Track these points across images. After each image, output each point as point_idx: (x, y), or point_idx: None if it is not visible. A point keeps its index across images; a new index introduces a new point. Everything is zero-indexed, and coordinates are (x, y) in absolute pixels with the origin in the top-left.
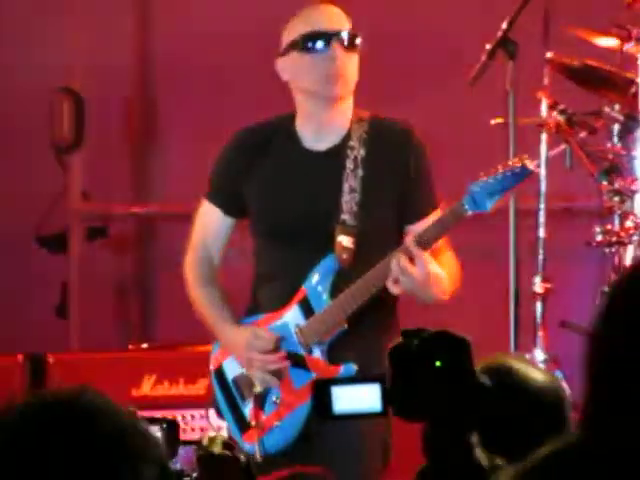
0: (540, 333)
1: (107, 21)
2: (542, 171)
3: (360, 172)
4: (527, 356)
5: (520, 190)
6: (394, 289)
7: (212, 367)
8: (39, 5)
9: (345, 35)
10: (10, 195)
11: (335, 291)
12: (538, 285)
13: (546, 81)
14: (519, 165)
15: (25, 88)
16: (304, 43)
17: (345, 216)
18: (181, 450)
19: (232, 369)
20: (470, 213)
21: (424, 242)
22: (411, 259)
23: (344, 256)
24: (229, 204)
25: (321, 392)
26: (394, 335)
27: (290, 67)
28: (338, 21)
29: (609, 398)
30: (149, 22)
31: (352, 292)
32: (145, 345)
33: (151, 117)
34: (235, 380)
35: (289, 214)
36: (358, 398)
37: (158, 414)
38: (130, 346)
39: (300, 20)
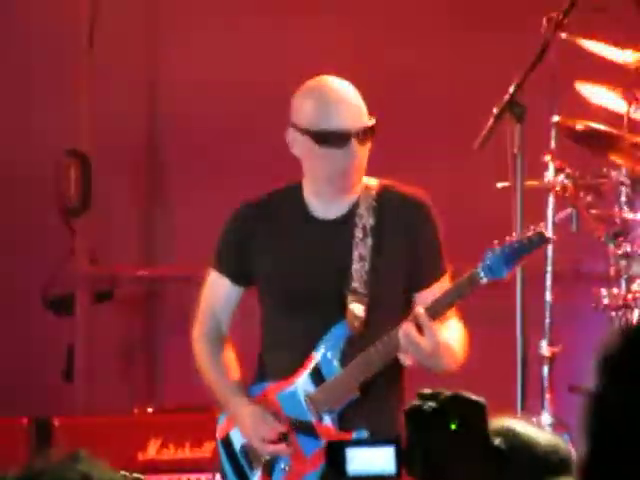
0: (547, 396)
1: (114, 82)
2: (549, 234)
3: (369, 241)
4: (534, 419)
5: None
6: (405, 360)
7: (219, 436)
8: (43, 66)
9: (362, 130)
10: (18, 258)
11: (345, 359)
12: (545, 349)
13: (553, 144)
14: (535, 233)
15: (32, 151)
16: (321, 138)
17: (355, 284)
18: None
19: (240, 437)
20: (486, 281)
21: (434, 311)
22: (419, 329)
23: (355, 324)
24: (237, 273)
25: (335, 453)
26: (403, 398)
27: (302, 150)
28: (358, 118)
29: (606, 459)
30: (155, 83)
31: (364, 360)
32: (151, 409)
33: (158, 179)
34: (243, 448)
35: (299, 282)
36: (372, 460)
37: (164, 478)
38: (136, 410)
39: (315, 107)
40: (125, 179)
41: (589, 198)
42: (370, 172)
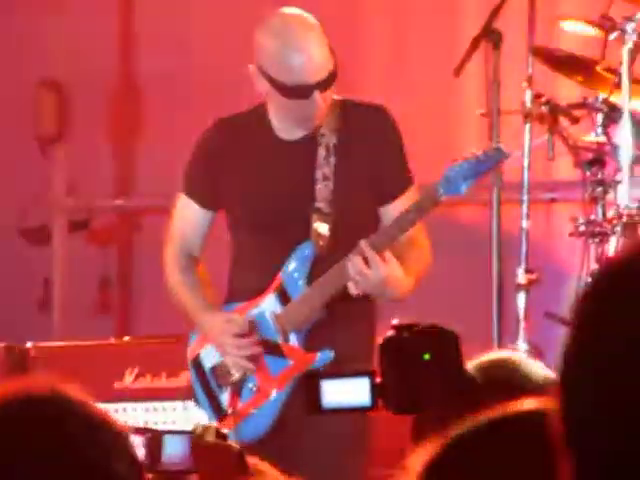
0: (523, 324)
1: (90, 11)
2: (525, 162)
3: (333, 160)
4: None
5: (503, 181)
6: (352, 289)
7: (189, 357)
8: None
9: (325, 81)
10: None
11: (312, 279)
12: (521, 276)
13: (530, 71)
14: (494, 147)
15: (7, 80)
16: (285, 92)
17: (320, 204)
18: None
19: (209, 358)
20: (445, 197)
21: (380, 241)
22: (366, 262)
23: (320, 243)
24: (205, 197)
25: (310, 386)
26: (373, 323)
27: (266, 92)
28: (321, 70)
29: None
30: (133, 12)
31: (328, 278)
32: (127, 338)
33: (135, 109)
34: (212, 369)
35: (264, 204)
36: (347, 392)
37: (140, 406)
38: (112, 339)
39: (279, 57)
40: (101, 108)
41: (566, 125)
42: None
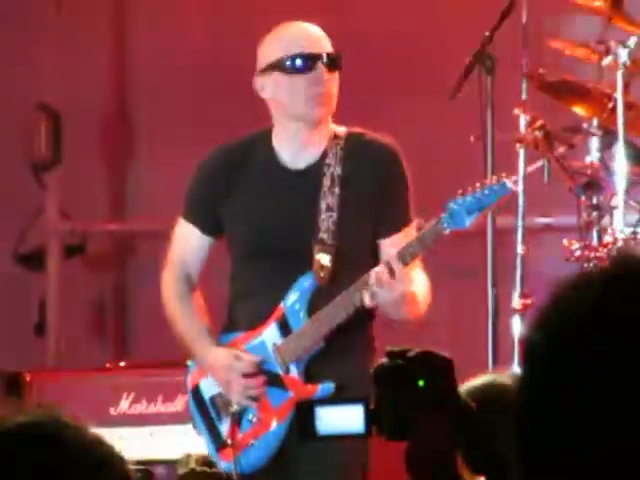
0: (518, 349)
1: (84, 38)
2: (520, 187)
3: (337, 190)
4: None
5: (498, 206)
6: (369, 302)
7: (189, 386)
8: (14, 22)
9: (330, 56)
10: None
11: (313, 309)
12: (516, 301)
13: (524, 96)
14: (499, 183)
15: (2, 105)
16: (289, 64)
17: (323, 235)
18: (161, 469)
19: (209, 388)
20: (448, 231)
21: (404, 258)
22: (391, 274)
23: (322, 274)
24: (206, 223)
25: (304, 413)
26: (371, 354)
27: (272, 87)
28: (322, 42)
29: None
30: (126, 39)
31: (330, 310)
32: (123, 363)
33: (129, 134)
34: (212, 399)
35: (267, 233)
36: (342, 419)
37: (136, 432)
38: (108, 364)
39: (282, 40)
40: (95, 133)
41: (560, 150)
42: (341, 123)
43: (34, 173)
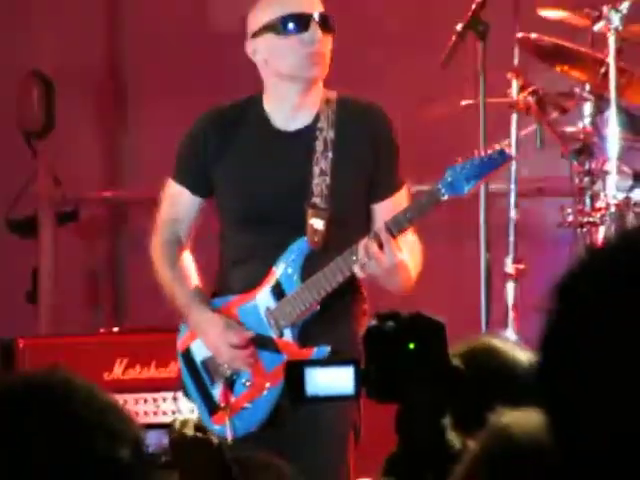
0: (511, 314)
1: (76, 6)
2: (513, 152)
3: (330, 154)
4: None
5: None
6: (360, 273)
7: (179, 349)
8: None
9: (322, 17)
10: None
11: (306, 274)
12: (509, 266)
13: (516, 61)
14: (497, 150)
15: None
16: (282, 25)
17: (316, 199)
18: (152, 433)
19: (200, 351)
20: (447, 197)
21: (395, 227)
22: (380, 245)
23: (315, 239)
24: (197, 184)
25: (294, 374)
26: (364, 319)
27: (265, 49)
28: (314, 3)
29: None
30: (118, 6)
31: (324, 274)
32: (116, 329)
33: (121, 101)
34: (204, 362)
35: (259, 197)
36: (331, 381)
37: (130, 398)
38: (101, 330)
39: (274, 1)
40: (89, 100)
41: (553, 115)
42: (329, 84)
43: (26, 140)
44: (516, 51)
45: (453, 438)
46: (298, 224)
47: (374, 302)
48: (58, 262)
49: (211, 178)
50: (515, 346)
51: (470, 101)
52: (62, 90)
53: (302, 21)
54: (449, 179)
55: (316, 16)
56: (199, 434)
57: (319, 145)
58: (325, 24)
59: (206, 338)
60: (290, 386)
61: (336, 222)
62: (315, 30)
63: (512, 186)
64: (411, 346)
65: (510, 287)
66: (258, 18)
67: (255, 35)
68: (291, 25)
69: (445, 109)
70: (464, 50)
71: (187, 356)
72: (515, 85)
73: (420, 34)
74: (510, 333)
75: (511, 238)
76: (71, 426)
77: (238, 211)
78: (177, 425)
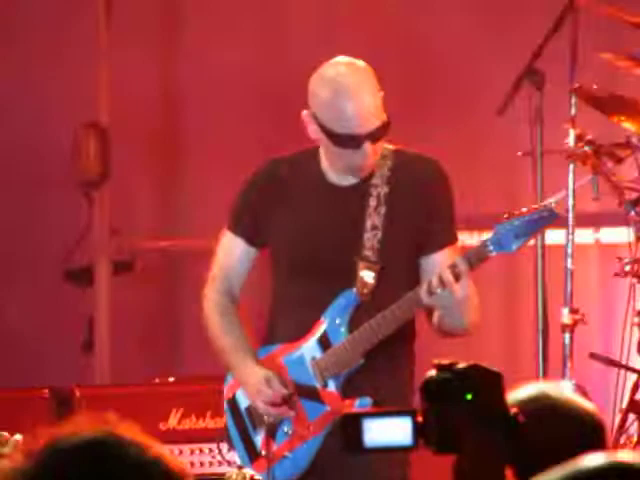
0: (568, 364)
1: (132, 55)
2: (570, 202)
3: (383, 209)
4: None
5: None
6: (427, 299)
7: (226, 396)
8: (64, 39)
9: (376, 132)
10: (37, 230)
11: (353, 326)
12: (566, 316)
13: (573, 111)
14: (547, 209)
15: (50, 123)
16: (336, 141)
17: (367, 252)
18: None
19: (245, 398)
20: (494, 254)
21: (453, 274)
22: (456, 276)
23: (364, 291)
24: (252, 234)
25: (351, 425)
26: (411, 371)
27: (317, 135)
28: (371, 120)
29: None
30: (173, 55)
31: (372, 327)
32: (172, 379)
33: (176, 150)
34: (248, 409)
35: (311, 247)
36: (389, 432)
37: (186, 448)
38: (157, 380)
39: (331, 109)
40: (143, 150)
41: (609, 165)
42: (390, 141)
43: (83, 190)
44: (573, 101)
45: None
46: (348, 276)
47: (430, 352)
48: (114, 311)
49: (266, 229)
50: (564, 392)
51: (527, 151)
52: (117, 140)
53: (355, 142)
54: (497, 236)
55: (370, 134)
56: None
57: (373, 200)
58: (378, 136)
59: (246, 389)
60: (347, 437)
61: (385, 276)
62: (366, 149)
63: (569, 236)
64: (468, 397)
65: (567, 337)
66: (316, 104)
67: (311, 114)
68: (344, 143)
69: (501, 159)
70: (520, 100)
71: (232, 403)
72: (572, 135)
73: (477, 85)
74: (567, 383)
75: (568, 288)
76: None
77: (290, 260)
78: (233, 477)
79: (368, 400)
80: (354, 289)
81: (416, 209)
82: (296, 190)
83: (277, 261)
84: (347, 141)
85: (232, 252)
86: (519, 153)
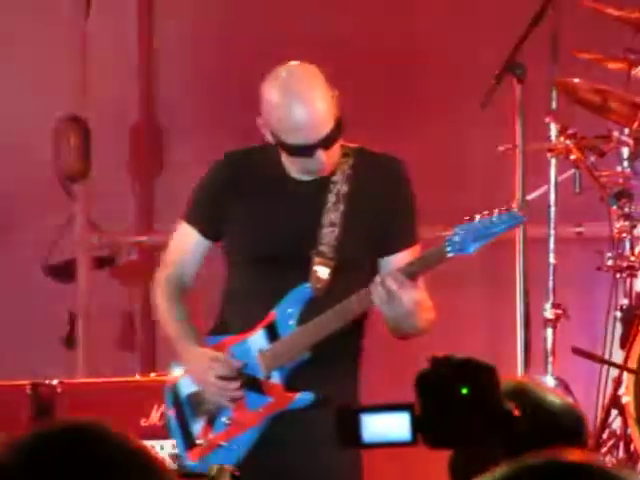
0: (550, 359)
1: (113, 50)
2: (551, 196)
3: (341, 207)
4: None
5: (530, 216)
6: (377, 301)
7: (168, 383)
8: (45, 34)
9: (328, 138)
10: (18, 225)
11: (304, 320)
12: (548, 311)
13: (554, 105)
14: (508, 212)
15: (31, 117)
16: (289, 151)
17: (323, 248)
18: None
19: (187, 386)
20: (451, 256)
21: (408, 273)
22: (399, 284)
23: (318, 286)
24: (208, 227)
25: (347, 420)
26: (357, 367)
27: (274, 142)
28: (322, 127)
29: None
30: (154, 51)
31: (321, 321)
32: (153, 374)
33: (157, 146)
34: (189, 397)
35: (269, 240)
36: (387, 427)
37: (167, 443)
38: (138, 375)
39: (282, 120)
40: (124, 145)
41: (592, 159)
42: (370, 136)
43: (63, 185)
44: (554, 94)
45: None
46: (304, 271)
47: (413, 347)
48: (94, 306)
49: (222, 223)
50: (547, 389)
51: (508, 145)
52: (98, 135)
53: (307, 151)
54: (456, 238)
55: (321, 142)
56: None
57: (332, 197)
58: (331, 141)
59: (194, 370)
60: (343, 432)
61: (340, 272)
62: (319, 156)
63: (551, 231)
64: (464, 391)
65: (549, 332)
66: (268, 113)
67: (264, 123)
68: (297, 153)
69: (482, 154)
70: (501, 94)
71: (173, 391)
72: (553, 129)
73: (457, 78)
74: (549, 378)
75: (550, 283)
76: (102, 466)
77: (246, 252)
78: (213, 473)
79: (310, 396)
80: (308, 283)
81: (377, 209)
82: (255, 184)
83: (233, 254)
84: (299, 150)
85: (186, 242)
86: (500, 148)
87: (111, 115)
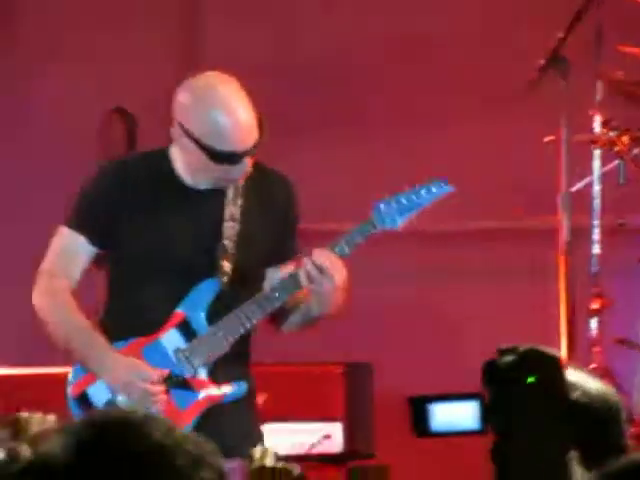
0: (595, 349)
1: (157, 40)
2: (596, 188)
3: (240, 201)
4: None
5: (574, 207)
6: (306, 282)
7: (73, 394)
8: (94, 26)
9: (254, 146)
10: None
11: (212, 314)
12: (593, 302)
13: (599, 97)
14: (434, 182)
15: (79, 109)
16: (215, 159)
17: (226, 241)
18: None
19: (101, 395)
20: (378, 230)
21: (339, 249)
22: (319, 270)
23: (224, 279)
24: (96, 235)
25: (417, 409)
26: (249, 364)
27: (185, 148)
28: (251, 135)
29: None
30: (199, 42)
31: (243, 313)
32: None
33: None
34: (108, 404)
35: (168, 250)
36: (456, 415)
37: None
38: None
39: (212, 127)
40: (169, 136)
41: (636, 150)
42: (411, 130)
43: None
44: (598, 87)
45: (578, 472)
46: (205, 272)
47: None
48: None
49: (112, 230)
50: (584, 376)
51: (553, 137)
52: (145, 125)
53: (235, 159)
54: (378, 213)
55: (249, 150)
56: (279, 464)
57: (230, 193)
58: (255, 150)
59: (114, 377)
60: (415, 421)
61: (244, 268)
62: (244, 164)
63: (595, 222)
64: (530, 379)
65: (593, 322)
66: (190, 122)
67: (183, 131)
68: (223, 160)
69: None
70: (545, 87)
71: (83, 400)
72: (598, 121)
73: (501, 72)
74: (593, 368)
75: (594, 273)
76: (154, 449)
77: (142, 262)
78: (257, 455)
79: (244, 386)
80: (216, 278)
81: (271, 217)
82: (147, 192)
83: (127, 263)
84: (226, 158)
85: (73, 249)
86: (545, 139)
87: (159, 105)
